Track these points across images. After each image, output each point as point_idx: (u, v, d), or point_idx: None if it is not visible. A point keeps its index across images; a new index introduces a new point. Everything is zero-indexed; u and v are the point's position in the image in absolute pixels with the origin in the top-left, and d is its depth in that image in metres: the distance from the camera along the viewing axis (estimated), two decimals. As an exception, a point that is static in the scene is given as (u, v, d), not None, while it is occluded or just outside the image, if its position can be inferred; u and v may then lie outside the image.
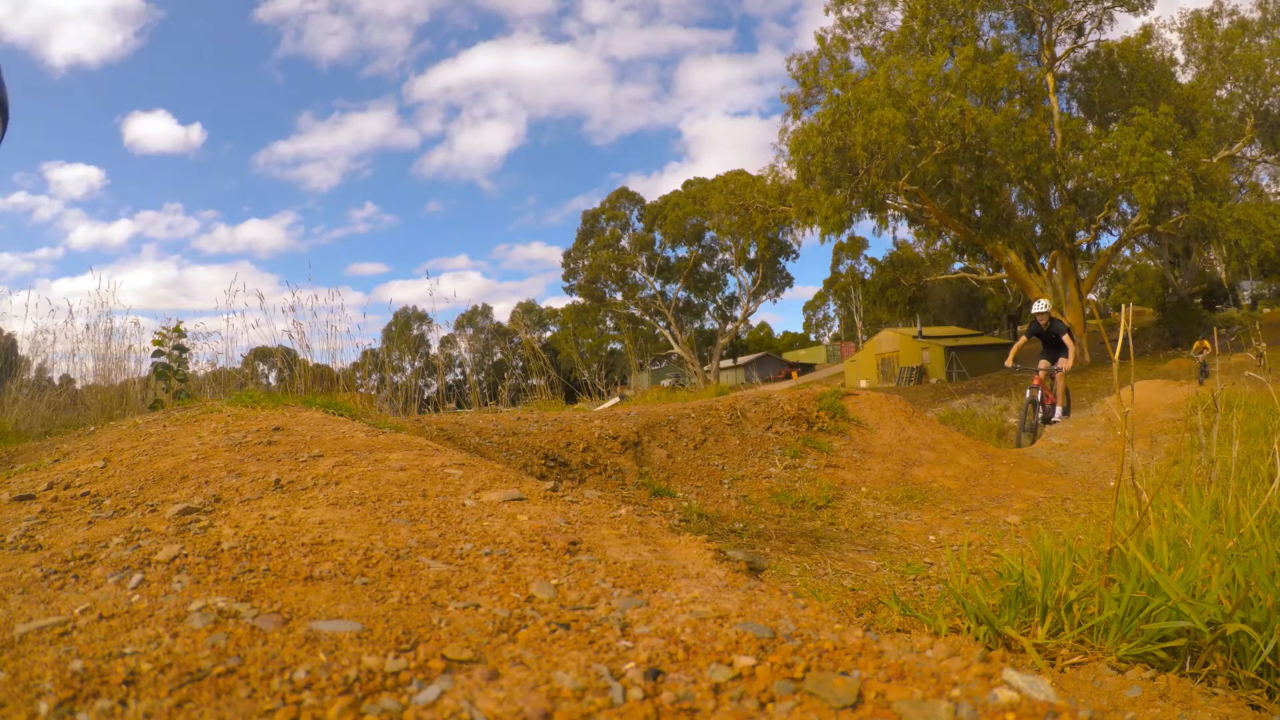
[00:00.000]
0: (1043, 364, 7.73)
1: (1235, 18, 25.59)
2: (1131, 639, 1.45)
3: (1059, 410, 7.53)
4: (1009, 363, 7.81)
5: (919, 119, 21.99)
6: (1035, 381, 7.37)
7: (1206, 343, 16.87)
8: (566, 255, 43.51)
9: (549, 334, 51.78)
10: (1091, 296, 31.13)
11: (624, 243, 41.99)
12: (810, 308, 63.27)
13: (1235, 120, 25.59)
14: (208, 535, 1.34)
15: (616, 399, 9.89)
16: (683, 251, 41.79)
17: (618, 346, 44.79)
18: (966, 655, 0.88)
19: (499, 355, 55.24)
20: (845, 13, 26.94)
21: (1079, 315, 26.28)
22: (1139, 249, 35.37)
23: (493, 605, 1.04)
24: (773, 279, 41.21)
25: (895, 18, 26.51)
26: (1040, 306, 7.68)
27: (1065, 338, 7.46)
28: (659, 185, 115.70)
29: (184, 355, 4.97)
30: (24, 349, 5.97)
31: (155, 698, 0.75)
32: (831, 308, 61.31)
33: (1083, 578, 1.61)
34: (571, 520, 1.53)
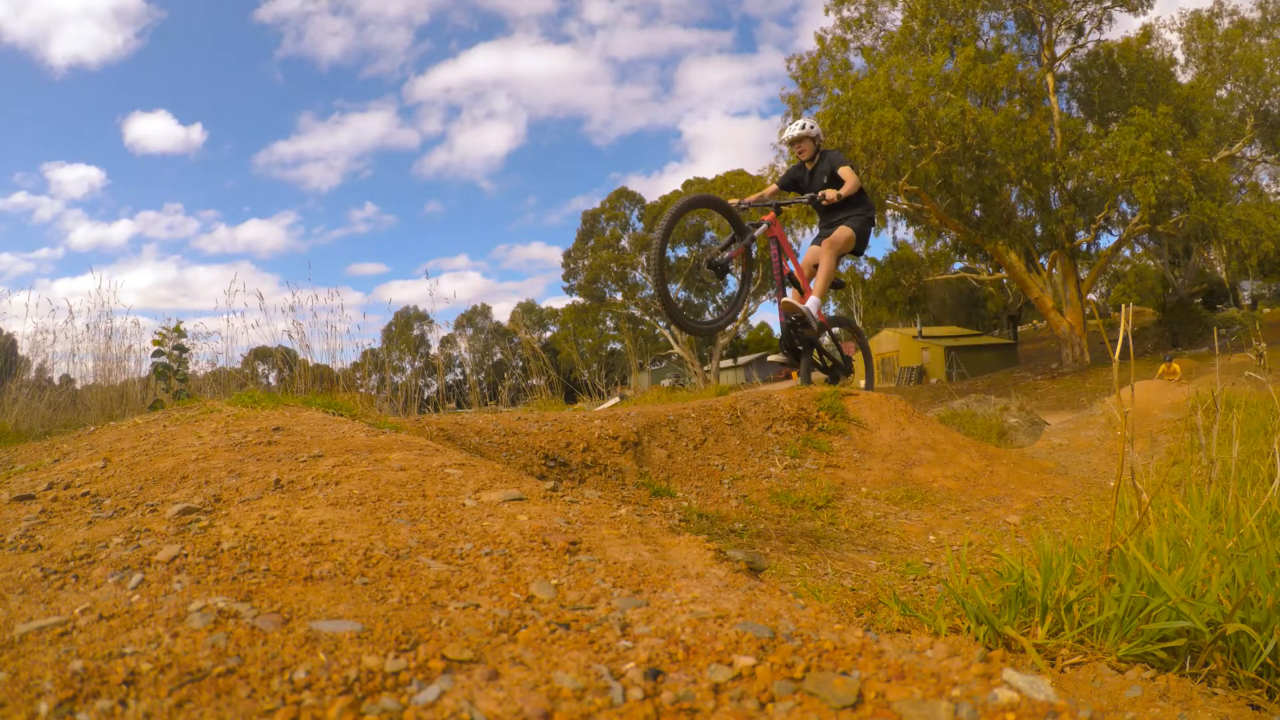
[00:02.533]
0: (814, 252, 4.76)
1: (1235, 18, 25.60)
2: (1131, 639, 1.45)
3: (813, 301, 4.50)
4: (736, 200, 4.56)
5: (919, 119, 22.00)
6: (767, 217, 4.44)
7: (1176, 366, 16.74)
8: (566, 255, 43.51)
9: (549, 334, 51.80)
10: (1092, 296, 31.12)
11: (624, 243, 41.98)
12: (810, 308, 63.13)
13: (1235, 120, 25.61)
14: (208, 535, 1.34)
15: (616, 399, 9.88)
16: (683, 252, 41.77)
17: (618, 346, 44.75)
18: (966, 655, 0.88)
19: (499, 355, 55.24)
20: (845, 13, 26.94)
21: (1079, 315, 26.27)
22: (1139, 249, 35.37)
23: (493, 605, 1.04)
24: (773, 279, 41.13)
25: (895, 18, 26.53)
26: (796, 129, 4.61)
27: (844, 170, 4.53)
28: (659, 185, 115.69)
29: (184, 355, 4.97)
30: (24, 349, 5.99)
31: (155, 698, 0.75)
32: (832, 308, 61.29)
33: (1083, 578, 1.61)
34: (571, 520, 1.53)
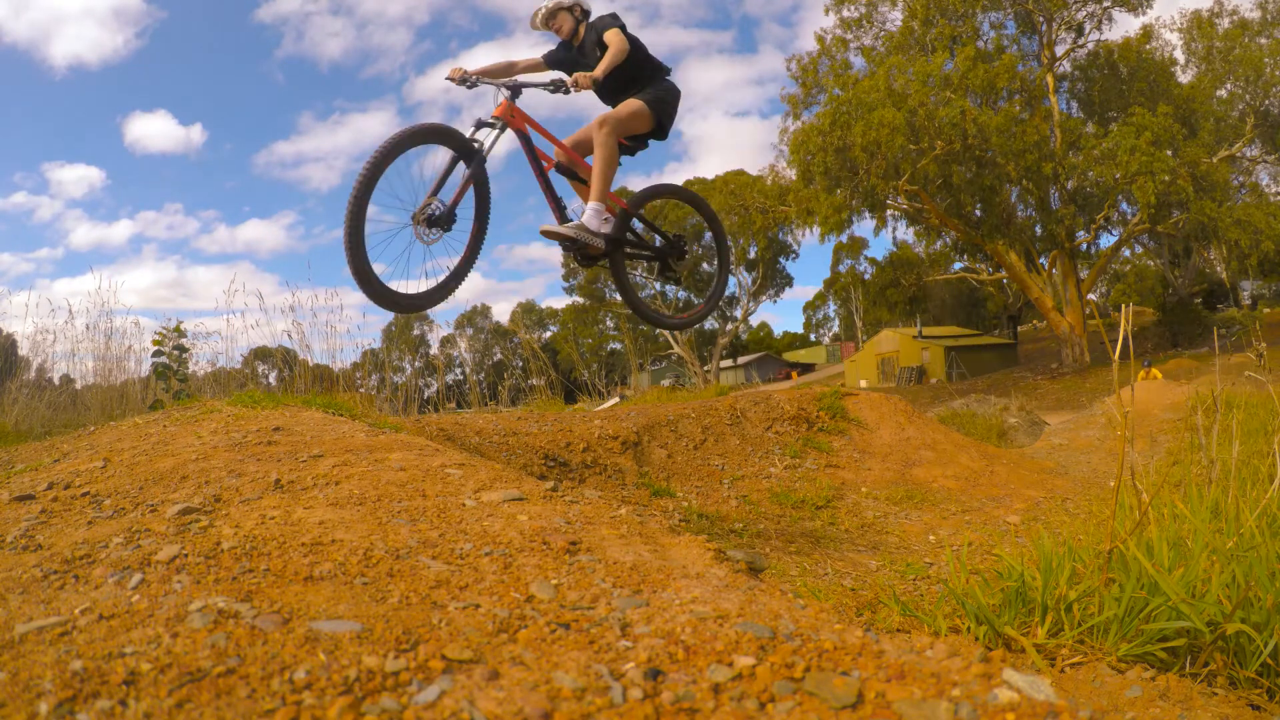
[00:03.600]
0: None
1: (1235, 18, 25.61)
2: (1131, 639, 1.45)
3: (589, 210, 3.13)
4: (460, 73, 3.25)
5: (919, 119, 22.00)
6: (499, 112, 3.09)
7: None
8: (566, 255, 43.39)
9: (549, 334, 51.81)
10: (1092, 296, 31.12)
11: (624, 243, 41.94)
12: (810, 308, 63.29)
13: (1235, 120, 25.61)
14: (208, 535, 1.34)
15: (616, 399, 9.88)
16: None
17: (618, 346, 44.77)
18: (966, 655, 0.88)
19: (499, 355, 55.24)
20: (845, 13, 26.93)
21: (1079, 315, 26.27)
22: (1139, 249, 35.36)
23: (493, 605, 1.04)
24: (773, 279, 41.17)
25: (895, 18, 26.52)
26: (547, 2, 3.42)
27: (610, 34, 3.25)
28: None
29: (184, 355, 4.98)
30: (24, 349, 6.00)
31: (155, 698, 0.75)
32: (831, 308, 61.30)
33: (1083, 578, 1.61)
34: (571, 520, 1.53)
